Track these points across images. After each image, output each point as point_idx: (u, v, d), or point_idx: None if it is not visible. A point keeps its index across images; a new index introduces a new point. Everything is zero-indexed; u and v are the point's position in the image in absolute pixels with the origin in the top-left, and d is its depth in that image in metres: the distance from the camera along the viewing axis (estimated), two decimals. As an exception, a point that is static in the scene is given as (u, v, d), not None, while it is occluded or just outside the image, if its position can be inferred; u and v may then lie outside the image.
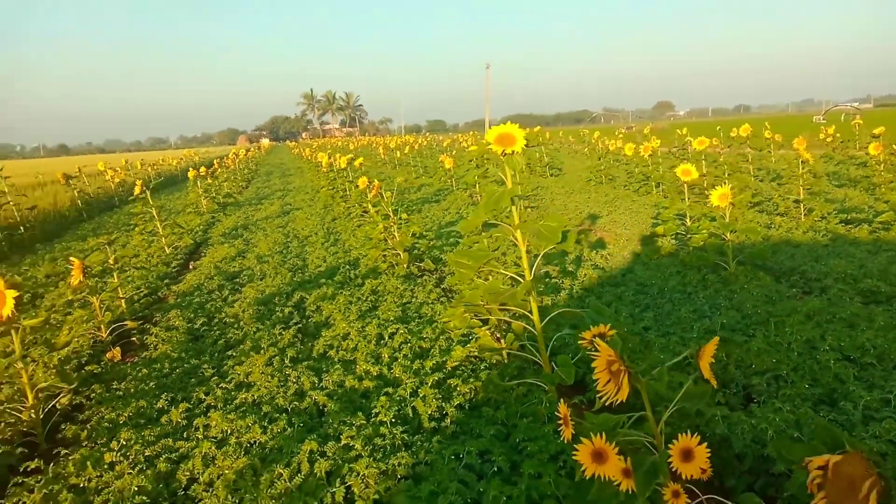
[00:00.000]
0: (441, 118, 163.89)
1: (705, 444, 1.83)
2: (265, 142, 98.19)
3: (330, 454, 2.55)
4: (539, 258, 3.34)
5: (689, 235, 6.25)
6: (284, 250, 7.73)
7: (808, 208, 7.82)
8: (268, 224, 10.18)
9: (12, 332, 3.03)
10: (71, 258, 4.30)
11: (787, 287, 4.93)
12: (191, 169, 11.72)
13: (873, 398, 2.70)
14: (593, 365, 1.95)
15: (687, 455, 1.86)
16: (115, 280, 5.07)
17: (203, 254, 8.31)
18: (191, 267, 7.52)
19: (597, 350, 1.96)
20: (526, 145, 3.08)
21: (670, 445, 1.87)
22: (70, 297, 4.81)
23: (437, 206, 11.19)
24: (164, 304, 5.64)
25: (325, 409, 3.13)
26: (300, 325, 4.72)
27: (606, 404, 1.99)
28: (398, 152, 21.35)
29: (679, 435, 1.87)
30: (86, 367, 4.03)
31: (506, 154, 3.05)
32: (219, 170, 15.47)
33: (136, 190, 7.77)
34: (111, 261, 5.02)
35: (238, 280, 6.38)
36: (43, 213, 10.77)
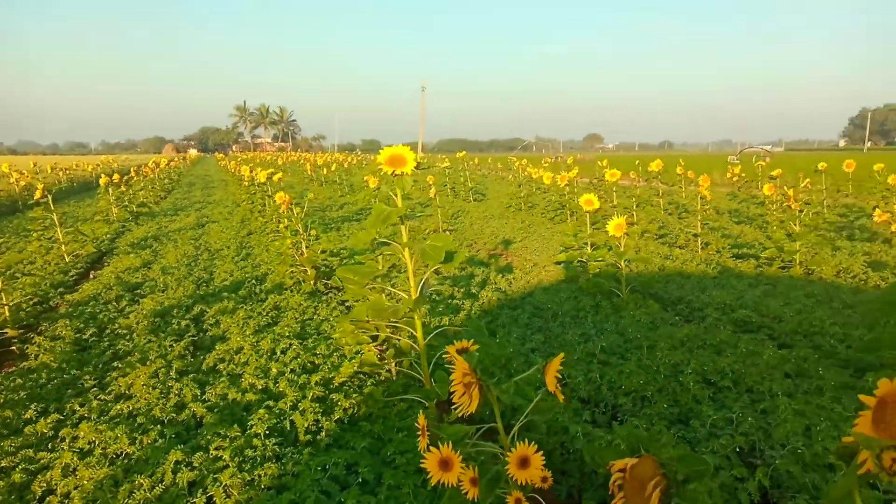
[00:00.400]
0: (377, 138, 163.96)
1: (541, 452, 1.95)
2: (192, 152, 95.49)
3: (196, 464, 2.54)
4: (425, 278, 3.44)
5: (589, 263, 6.52)
6: (192, 263, 7.57)
7: (705, 242, 8.31)
8: (180, 236, 9.93)
9: None
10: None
11: (672, 314, 5.24)
12: (103, 176, 11.28)
13: (720, 417, 2.93)
14: (451, 378, 2.05)
15: (524, 462, 1.97)
16: (-1, 286, 4.85)
17: (106, 263, 8.02)
18: (91, 276, 7.25)
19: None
20: (416, 167, 3.19)
21: (508, 454, 1.98)
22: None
23: (357, 224, 11.23)
24: (54, 314, 5.41)
25: (203, 421, 3.11)
26: (195, 339, 4.64)
27: (461, 416, 2.09)
28: (325, 169, 21.23)
29: (518, 444, 1.98)
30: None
31: (396, 175, 3.14)
32: (135, 178, 14.95)
33: (37, 194, 7.45)
34: (-4, 266, 4.80)
35: (139, 291, 6.21)
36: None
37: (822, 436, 2.65)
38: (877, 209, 8.08)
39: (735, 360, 3.74)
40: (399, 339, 3.51)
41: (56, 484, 2.48)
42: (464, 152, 30.79)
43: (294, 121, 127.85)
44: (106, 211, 11.27)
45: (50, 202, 7.56)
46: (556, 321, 4.98)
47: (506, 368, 3.77)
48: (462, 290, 6.01)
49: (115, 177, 11.85)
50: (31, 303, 5.65)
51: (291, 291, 5.79)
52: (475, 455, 2.16)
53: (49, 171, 19.73)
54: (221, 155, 54.72)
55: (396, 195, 3.27)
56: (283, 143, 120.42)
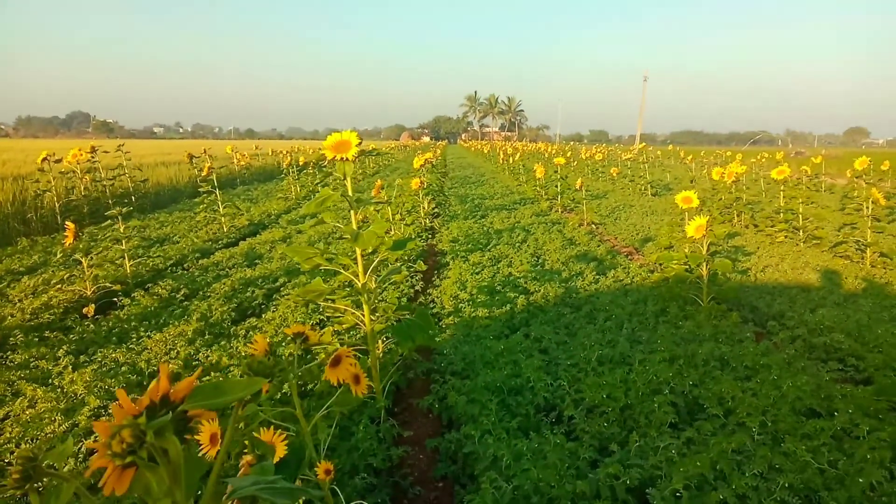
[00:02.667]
0: (604, 129, 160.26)
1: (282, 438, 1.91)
2: (425, 139, 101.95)
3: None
4: (375, 262, 3.43)
5: (665, 266, 5.88)
6: (323, 239, 8.24)
7: (879, 253, 6.98)
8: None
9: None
10: (67, 222, 5.00)
11: (746, 331, 4.54)
12: (287, 159, 12.70)
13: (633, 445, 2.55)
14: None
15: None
16: (123, 246, 5.79)
17: (259, 234, 9.06)
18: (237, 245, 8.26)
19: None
20: (361, 153, 3.21)
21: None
22: (58, 258, 5.55)
23: (501, 214, 11.20)
24: (167, 274, 6.30)
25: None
26: (245, 307, 5.13)
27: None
28: (511, 159, 21.42)
29: (262, 430, 1.96)
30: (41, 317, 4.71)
31: (341, 160, 3.19)
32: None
33: (204, 171, 8.65)
34: (121, 229, 5.74)
35: (257, 262, 6.95)
36: (157, 186, 12.28)
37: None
38: None
39: (751, 386, 3.22)
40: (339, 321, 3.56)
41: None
42: (671, 146, 28.91)
43: (521, 111, 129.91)
44: (286, 190, 12.68)
45: (214, 178, 8.73)
46: (593, 324, 4.61)
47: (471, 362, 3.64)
48: (542, 283, 5.78)
49: (301, 160, 13.24)
50: (167, 264, 6.64)
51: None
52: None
53: (270, 153, 22.54)
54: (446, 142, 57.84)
55: (347, 179, 3.32)
56: (509, 133, 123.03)
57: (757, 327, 4.90)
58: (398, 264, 4.92)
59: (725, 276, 6.00)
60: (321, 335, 3.69)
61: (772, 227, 8.97)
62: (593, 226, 10.46)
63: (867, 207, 7.21)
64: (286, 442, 1.81)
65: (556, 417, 3.17)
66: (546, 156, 29.68)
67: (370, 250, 3.23)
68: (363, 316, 3.32)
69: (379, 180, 6.53)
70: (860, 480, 2.29)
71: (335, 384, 2.09)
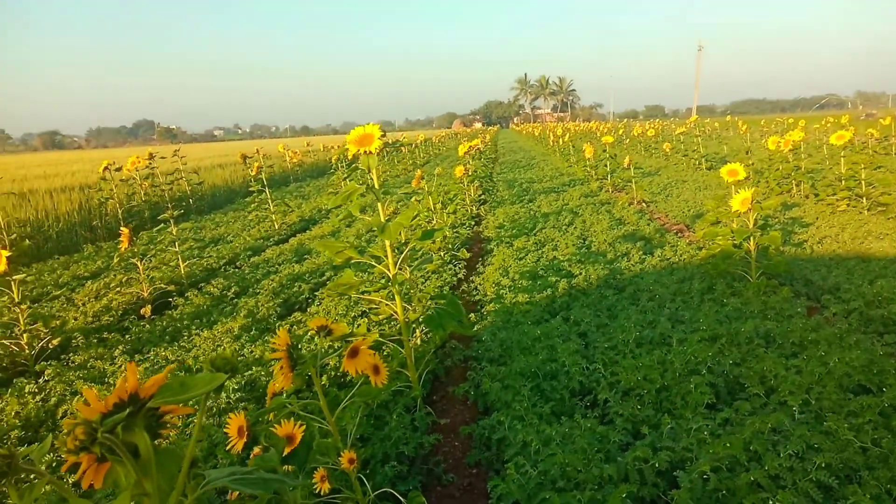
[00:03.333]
0: (660, 103, 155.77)
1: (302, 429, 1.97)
2: (477, 125, 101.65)
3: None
4: (405, 252, 3.47)
5: (708, 242, 5.71)
6: (368, 233, 8.37)
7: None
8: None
9: (12, 283, 3.92)
10: (122, 227, 5.24)
11: (798, 306, 4.37)
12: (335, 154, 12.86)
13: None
14: (273, 356, 2.16)
15: (290, 440, 2.02)
16: (177, 249, 6.03)
17: (310, 229, 9.26)
18: (287, 242, 8.47)
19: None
20: (386, 145, 3.25)
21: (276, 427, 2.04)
22: (115, 262, 5.82)
23: (549, 197, 11.08)
24: (221, 272, 6.53)
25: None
26: (292, 302, 5.27)
27: (277, 390, 2.20)
28: (561, 140, 21.12)
29: (283, 421, 2.03)
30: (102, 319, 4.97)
31: (365, 153, 3.23)
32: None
33: (253, 170, 8.89)
34: (173, 232, 5.97)
35: (306, 256, 7.12)
36: (212, 188, 12.71)
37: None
38: None
39: (797, 363, 3.13)
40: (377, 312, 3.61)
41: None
42: (729, 116, 28.01)
43: (573, 90, 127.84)
44: (336, 185, 12.89)
45: (263, 178, 8.97)
46: (636, 305, 4.53)
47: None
48: (586, 265, 5.71)
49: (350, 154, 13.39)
50: (220, 263, 6.89)
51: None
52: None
53: (322, 148, 22.93)
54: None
55: (374, 173, 3.36)
56: (562, 114, 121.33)
57: (810, 301, 4.72)
58: (430, 254, 4.94)
59: (778, 250, 5.80)
60: (357, 327, 3.77)
61: (833, 195, 8.57)
62: (643, 204, 10.24)
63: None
64: (301, 433, 1.86)
65: (591, 401, 3.15)
66: (597, 135, 29.19)
67: (402, 240, 3.27)
68: (396, 306, 3.38)
69: (419, 171, 6.58)
70: (901, 459, 2.19)
71: (354, 375, 2.14)
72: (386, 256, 3.37)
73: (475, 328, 4.41)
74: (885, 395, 2.76)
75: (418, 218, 6.73)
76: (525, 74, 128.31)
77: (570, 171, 15.49)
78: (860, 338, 3.66)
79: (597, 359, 3.48)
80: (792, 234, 6.91)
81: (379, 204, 3.37)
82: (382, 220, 3.35)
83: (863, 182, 8.05)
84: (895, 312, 4.02)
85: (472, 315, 4.72)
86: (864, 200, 8.02)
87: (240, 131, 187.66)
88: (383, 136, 3.25)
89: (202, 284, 5.94)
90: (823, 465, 2.21)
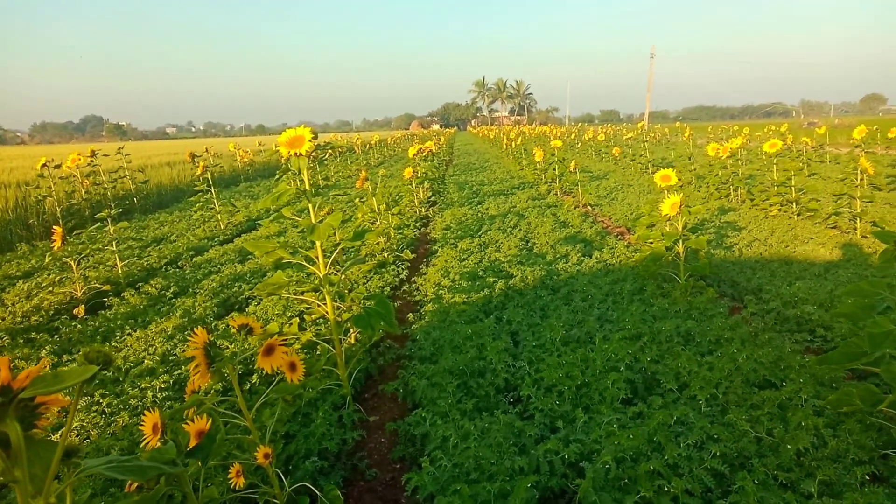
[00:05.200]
0: (615, 108, 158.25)
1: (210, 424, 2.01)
2: (435, 127, 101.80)
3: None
4: (335, 253, 3.52)
5: (642, 246, 5.92)
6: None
7: (854, 218, 6.95)
8: (334, 203, 10.93)
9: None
10: (54, 227, 5.14)
11: (720, 306, 4.58)
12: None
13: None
14: (188, 354, 2.18)
15: (201, 436, 2.06)
16: (114, 248, 5.93)
17: (256, 229, 9.19)
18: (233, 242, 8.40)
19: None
20: (318, 147, 3.30)
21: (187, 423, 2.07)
22: (47, 262, 5.70)
23: (498, 199, 11.24)
24: (160, 272, 6.45)
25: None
26: (231, 301, 5.25)
27: (194, 388, 2.22)
28: (513, 143, 21.38)
29: (196, 418, 2.06)
30: (31, 319, 4.87)
31: (296, 155, 3.27)
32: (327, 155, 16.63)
33: (198, 170, 8.78)
34: (111, 231, 5.87)
35: (249, 257, 7.07)
36: (158, 186, 12.48)
37: None
38: None
39: (710, 360, 3.29)
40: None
41: None
42: (679, 122, 28.72)
43: (530, 94, 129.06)
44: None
45: (209, 177, 8.87)
46: (568, 305, 4.67)
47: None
48: (526, 266, 5.84)
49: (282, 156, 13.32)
50: (161, 263, 6.79)
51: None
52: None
53: (273, 148, 22.48)
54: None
55: (304, 174, 3.41)
56: (519, 117, 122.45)
57: (734, 301, 4.95)
58: (365, 256, 5.00)
59: (706, 253, 6.04)
60: (289, 326, 3.80)
61: (765, 201, 8.94)
62: (589, 207, 10.49)
63: (857, 177, 7.16)
64: (207, 428, 1.90)
65: (515, 398, 3.26)
66: (551, 138, 29.58)
67: (336, 241, 3.32)
68: (327, 306, 3.42)
69: (363, 172, 6.62)
70: (789, 447, 2.35)
71: (269, 371, 2.19)
72: (318, 258, 3.41)
73: (413, 327, 4.49)
74: (785, 389, 2.94)
75: (356, 220, 6.78)
76: (483, 77, 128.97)
77: (520, 175, 15.71)
78: (773, 336, 3.87)
79: (524, 357, 3.59)
80: (725, 237, 7.18)
81: (310, 206, 3.42)
82: (314, 221, 3.40)
83: (793, 188, 8.42)
84: (807, 312, 4.26)
85: (410, 315, 4.79)
86: (795, 206, 8.39)
87: (193, 129, 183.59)
88: (314, 138, 3.30)
89: (140, 284, 5.85)
90: (718, 454, 2.35)
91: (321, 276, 3.39)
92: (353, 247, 7.03)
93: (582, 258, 6.20)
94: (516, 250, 6.74)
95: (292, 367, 2.24)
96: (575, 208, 9.88)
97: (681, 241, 5.14)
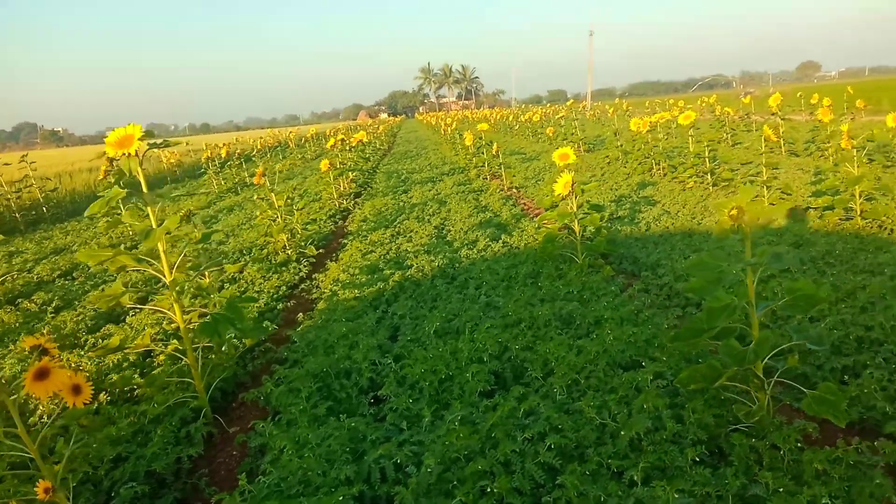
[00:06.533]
0: (563, 88, 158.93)
1: None
2: (383, 116, 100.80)
3: None
4: (179, 258, 3.31)
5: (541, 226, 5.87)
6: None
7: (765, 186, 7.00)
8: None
9: None
10: None
11: (612, 284, 4.51)
12: (207, 152, 12.44)
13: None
14: None
15: None
16: (-8, 264, 5.56)
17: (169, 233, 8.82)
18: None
19: None
20: (152, 145, 3.09)
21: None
22: None
23: (425, 187, 11.06)
24: (51, 286, 6.09)
25: None
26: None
27: None
28: (449, 129, 21.23)
29: None
30: None
31: (125, 156, 3.04)
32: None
33: (100, 176, 8.36)
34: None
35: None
36: (72, 193, 11.93)
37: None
38: None
39: (582, 343, 3.21)
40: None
41: None
42: (618, 99, 29.02)
43: (476, 77, 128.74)
44: (209, 185, 12.43)
45: (111, 180, 8.45)
46: (462, 293, 4.54)
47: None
48: (432, 255, 5.69)
49: (223, 153, 12.95)
50: (53, 276, 6.43)
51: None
52: None
53: (204, 147, 21.97)
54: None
55: (140, 176, 3.18)
56: (466, 101, 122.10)
57: (632, 278, 4.90)
58: (219, 258, 4.79)
59: (615, 229, 6.02)
60: (142, 338, 3.56)
61: (684, 173, 8.98)
62: (515, 190, 10.40)
63: (762, 145, 7.18)
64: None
65: (378, 397, 3.11)
66: (492, 121, 29.54)
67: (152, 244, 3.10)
68: (176, 314, 3.21)
69: (260, 167, 6.36)
70: (623, 433, 2.25)
71: (45, 398, 1.99)
72: (162, 263, 3.20)
73: (299, 328, 4.30)
74: (647, 369, 2.85)
75: (256, 220, 6.52)
76: (428, 63, 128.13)
77: (453, 160, 15.56)
78: (655, 313, 3.82)
79: (395, 353, 3.45)
80: (637, 212, 7.17)
81: (149, 208, 3.19)
82: (154, 224, 3.17)
83: (706, 159, 8.47)
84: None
85: (300, 315, 4.60)
86: (710, 176, 8.44)
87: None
88: (144, 137, 3.07)
89: (20, 301, 5.52)
90: (554, 446, 2.24)
91: (167, 280, 3.18)
92: (254, 245, 6.78)
93: (490, 243, 6.09)
94: (428, 239, 6.60)
95: (76, 389, 2.04)
96: (500, 192, 9.78)
97: (576, 220, 5.06)
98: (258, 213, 6.53)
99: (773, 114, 10.94)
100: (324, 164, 8.98)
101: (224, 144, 14.90)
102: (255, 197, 8.66)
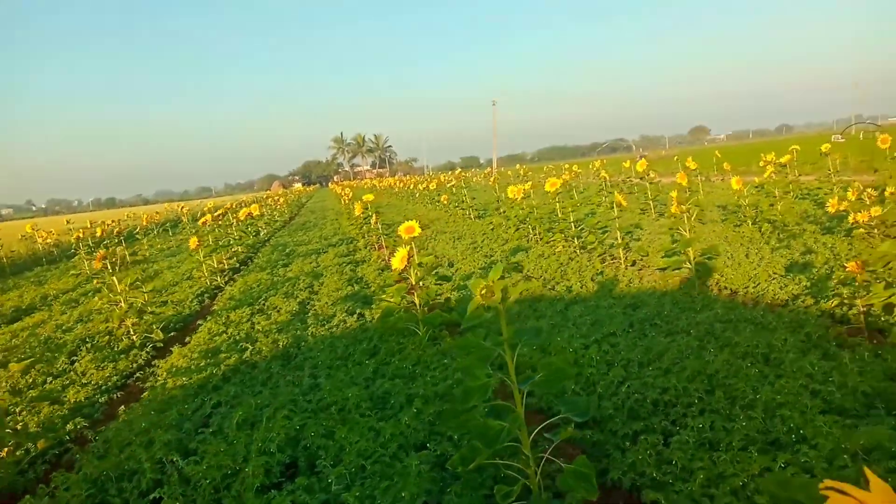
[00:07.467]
0: (475, 154, 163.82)
1: None
2: (297, 186, 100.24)
3: None
4: None
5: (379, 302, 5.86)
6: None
7: (626, 254, 7.30)
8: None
9: None
10: None
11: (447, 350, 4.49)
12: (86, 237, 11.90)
13: None
14: None
15: None
16: None
17: (23, 319, 8.27)
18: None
19: None
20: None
21: None
22: None
23: (308, 259, 10.93)
24: None
25: None
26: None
27: None
28: (345, 198, 21.30)
29: None
30: None
31: None
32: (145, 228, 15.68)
33: None
34: None
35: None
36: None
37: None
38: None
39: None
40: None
41: None
42: (518, 165, 30.06)
43: (390, 146, 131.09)
44: (79, 267, 11.83)
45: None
46: (294, 374, 4.41)
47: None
48: (283, 334, 5.53)
49: (99, 232, 12.43)
50: None
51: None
52: None
53: (89, 225, 21.10)
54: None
55: None
56: (381, 170, 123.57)
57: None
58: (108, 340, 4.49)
59: (446, 304, 6.05)
60: None
61: (553, 238, 9.27)
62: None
63: (615, 211, 7.53)
64: None
65: (158, 499, 2.90)
66: (396, 190, 29.93)
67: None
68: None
69: (100, 252, 6.10)
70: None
71: None
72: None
73: (112, 424, 4.02)
74: (431, 451, 2.80)
75: (95, 304, 6.21)
76: (341, 133, 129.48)
77: (347, 231, 15.54)
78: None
79: (191, 446, 3.26)
80: (504, 277, 7.27)
81: None
82: None
83: (572, 224, 8.79)
84: (526, 352, 4.25)
85: (121, 408, 4.32)
86: (576, 241, 8.75)
87: (34, 208, 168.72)
88: None
89: None
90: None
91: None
92: (97, 333, 6.42)
93: (346, 317, 5.99)
94: (288, 316, 6.44)
95: None
96: (380, 262, 9.77)
97: (416, 293, 5.07)
98: (96, 299, 6.21)
99: (640, 178, 11.62)
100: (192, 242, 8.72)
101: (101, 223, 14.28)
102: (94, 281, 8.28)
